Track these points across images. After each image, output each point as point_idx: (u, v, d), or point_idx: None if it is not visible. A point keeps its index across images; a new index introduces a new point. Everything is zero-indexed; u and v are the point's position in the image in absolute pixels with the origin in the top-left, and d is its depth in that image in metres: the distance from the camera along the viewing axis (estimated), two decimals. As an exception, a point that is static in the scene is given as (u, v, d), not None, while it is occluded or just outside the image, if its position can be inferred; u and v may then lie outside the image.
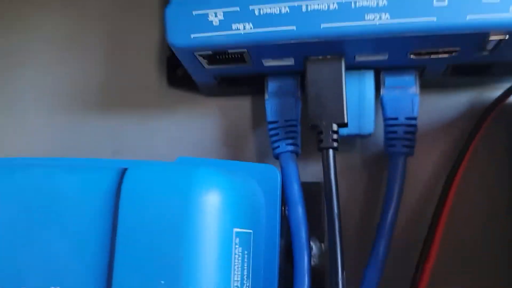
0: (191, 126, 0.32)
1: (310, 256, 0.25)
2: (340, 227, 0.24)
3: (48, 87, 0.34)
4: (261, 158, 0.32)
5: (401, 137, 0.26)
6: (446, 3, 0.22)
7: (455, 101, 0.30)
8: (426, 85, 0.29)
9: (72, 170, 0.21)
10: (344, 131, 0.27)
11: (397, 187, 0.26)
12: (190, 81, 0.30)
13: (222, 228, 0.20)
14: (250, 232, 0.22)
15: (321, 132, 0.25)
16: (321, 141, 0.25)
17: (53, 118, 0.34)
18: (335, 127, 0.25)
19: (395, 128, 0.26)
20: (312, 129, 0.25)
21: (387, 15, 0.23)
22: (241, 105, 0.32)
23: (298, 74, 0.28)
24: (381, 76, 0.27)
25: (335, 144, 0.24)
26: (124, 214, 0.20)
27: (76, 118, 0.33)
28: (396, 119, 0.27)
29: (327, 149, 0.24)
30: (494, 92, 0.29)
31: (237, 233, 0.20)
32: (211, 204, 0.20)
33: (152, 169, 0.21)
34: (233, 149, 0.32)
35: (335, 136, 0.24)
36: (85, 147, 0.33)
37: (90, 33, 0.34)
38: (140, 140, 0.33)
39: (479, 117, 0.28)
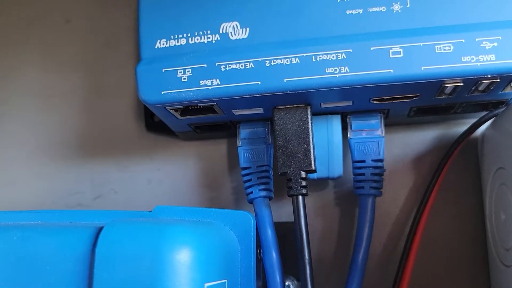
0: (170, 169, 0.33)
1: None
2: (311, 272, 0.25)
3: (30, 136, 0.35)
4: (238, 197, 0.32)
5: (368, 179, 0.27)
6: (401, 55, 0.23)
7: (422, 137, 0.31)
8: (394, 123, 0.31)
9: (48, 232, 0.22)
10: (314, 175, 0.28)
11: (367, 228, 0.27)
12: (167, 127, 0.31)
13: (193, 285, 0.20)
14: (224, 282, 0.23)
15: (290, 179, 0.26)
16: (290, 188, 0.25)
17: (36, 167, 0.34)
18: (303, 174, 0.25)
19: (362, 171, 0.27)
20: (281, 175, 0.26)
21: (347, 68, 0.24)
22: (218, 148, 0.33)
23: (268, 120, 0.29)
24: (348, 120, 0.28)
25: (304, 191, 0.25)
26: (99, 273, 0.21)
27: (58, 166, 0.34)
28: (363, 161, 0.27)
29: (297, 195, 0.25)
30: (460, 127, 0.31)
31: (208, 287, 0.21)
32: (182, 262, 0.20)
33: (125, 227, 0.22)
34: (211, 190, 0.33)
35: (303, 183, 0.25)
36: (68, 194, 0.34)
37: (69, 81, 0.35)
38: (121, 184, 0.33)
39: (446, 151, 0.29)
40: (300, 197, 0.25)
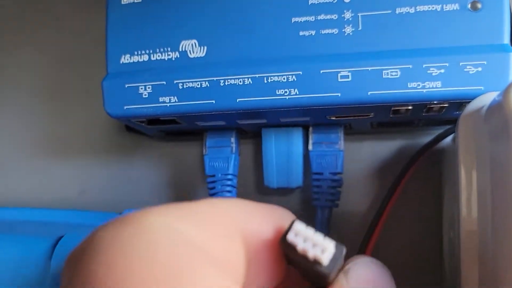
0: (148, 168, 0.35)
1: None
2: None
3: (15, 132, 0.37)
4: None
5: (325, 191, 0.28)
6: (350, 79, 0.24)
7: (389, 146, 0.31)
8: (360, 132, 0.31)
9: (11, 240, 0.24)
10: (274, 184, 0.29)
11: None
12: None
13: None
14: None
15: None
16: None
17: (28, 162, 0.37)
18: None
19: (320, 183, 0.28)
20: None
21: (296, 90, 0.24)
22: (192, 149, 0.34)
23: (234, 129, 0.30)
24: (309, 131, 0.29)
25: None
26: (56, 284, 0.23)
27: (48, 162, 0.36)
28: (321, 174, 0.28)
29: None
30: (427, 137, 0.31)
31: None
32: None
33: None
34: (185, 190, 0.34)
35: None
36: (56, 188, 0.36)
37: (55, 80, 0.37)
38: (103, 180, 0.35)
39: (409, 160, 0.30)
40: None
